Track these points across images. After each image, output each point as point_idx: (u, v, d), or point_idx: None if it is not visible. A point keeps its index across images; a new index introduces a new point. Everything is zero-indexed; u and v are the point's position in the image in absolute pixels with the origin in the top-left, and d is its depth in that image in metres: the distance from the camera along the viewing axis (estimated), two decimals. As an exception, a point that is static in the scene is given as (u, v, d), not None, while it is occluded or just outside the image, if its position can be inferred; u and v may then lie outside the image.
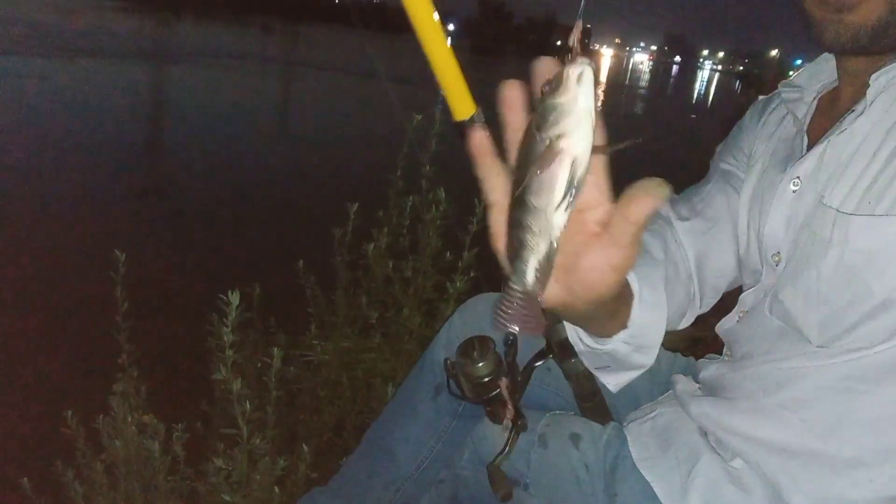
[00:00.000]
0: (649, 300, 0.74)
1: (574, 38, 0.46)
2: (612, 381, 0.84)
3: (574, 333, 0.77)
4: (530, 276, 0.50)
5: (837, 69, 0.91)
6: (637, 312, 0.72)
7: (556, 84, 0.45)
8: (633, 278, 0.74)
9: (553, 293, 0.54)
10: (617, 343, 0.73)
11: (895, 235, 0.71)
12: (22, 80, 9.52)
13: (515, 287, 0.51)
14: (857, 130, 0.79)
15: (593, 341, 0.75)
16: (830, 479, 0.78)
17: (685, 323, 1.02)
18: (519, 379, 1.04)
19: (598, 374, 0.84)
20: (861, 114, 0.79)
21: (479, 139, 0.52)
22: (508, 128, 0.52)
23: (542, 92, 0.47)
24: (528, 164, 0.47)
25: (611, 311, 0.68)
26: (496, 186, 0.52)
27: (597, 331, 0.73)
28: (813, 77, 0.97)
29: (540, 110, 0.46)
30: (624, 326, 0.72)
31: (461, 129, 0.79)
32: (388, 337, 2.02)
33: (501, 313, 0.52)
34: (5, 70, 10.23)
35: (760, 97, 1.09)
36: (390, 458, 1.22)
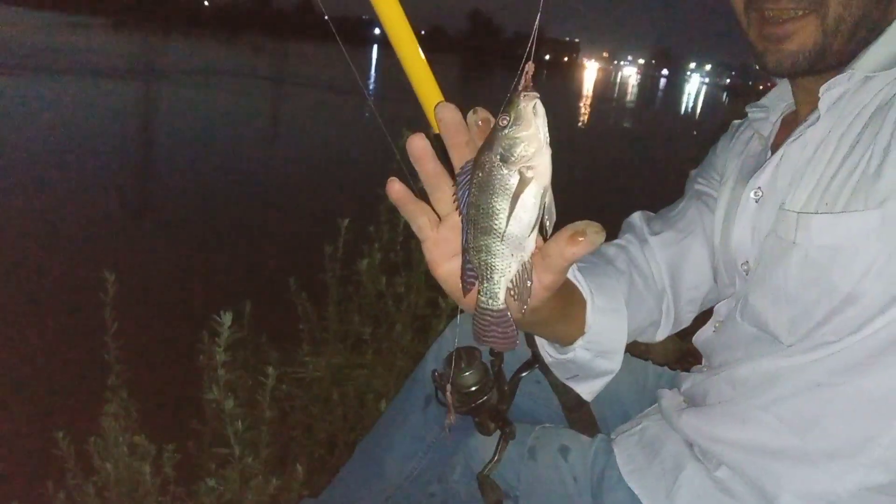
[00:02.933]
0: (604, 307, 0.81)
1: (526, 77, 0.51)
2: (585, 390, 0.89)
3: (542, 347, 0.84)
4: (501, 296, 0.55)
5: (792, 90, 0.96)
6: (591, 318, 0.78)
7: (513, 118, 0.50)
8: (585, 287, 0.80)
9: None
10: (578, 350, 0.80)
11: (855, 230, 0.74)
12: (6, 100, 9.49)
13: (488, 308, 0.56)
14: (809, 139, 0.84)
15: (557, 352, 0.81)
16: (812, 474, 0.80)
17: (661, 335, 1.05)
18: (506, 389, 1.05)
19: (570, 383, 0.89)
20: (813, 123, 0.84)
21: (398, 191, 0.57)
22: (422, 176, 0.56)
23: (499, 126, 0.51)
24: (488, 193, 0.51)
25: (559, 318, 0.74)
26: (424, 225, 0.59)
27: (559, 340, 0.79)
28: (779, 97, 1.02)
29: (503, 145, 0.50)
30: (582, 333, 0.78)
31: (441, 143, 0.80)
32: (380, 353, 2.02)
33: (481, 333, 0.57)
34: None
35: (734, 122, 1.14)
36: (379, 468, 1.22)
